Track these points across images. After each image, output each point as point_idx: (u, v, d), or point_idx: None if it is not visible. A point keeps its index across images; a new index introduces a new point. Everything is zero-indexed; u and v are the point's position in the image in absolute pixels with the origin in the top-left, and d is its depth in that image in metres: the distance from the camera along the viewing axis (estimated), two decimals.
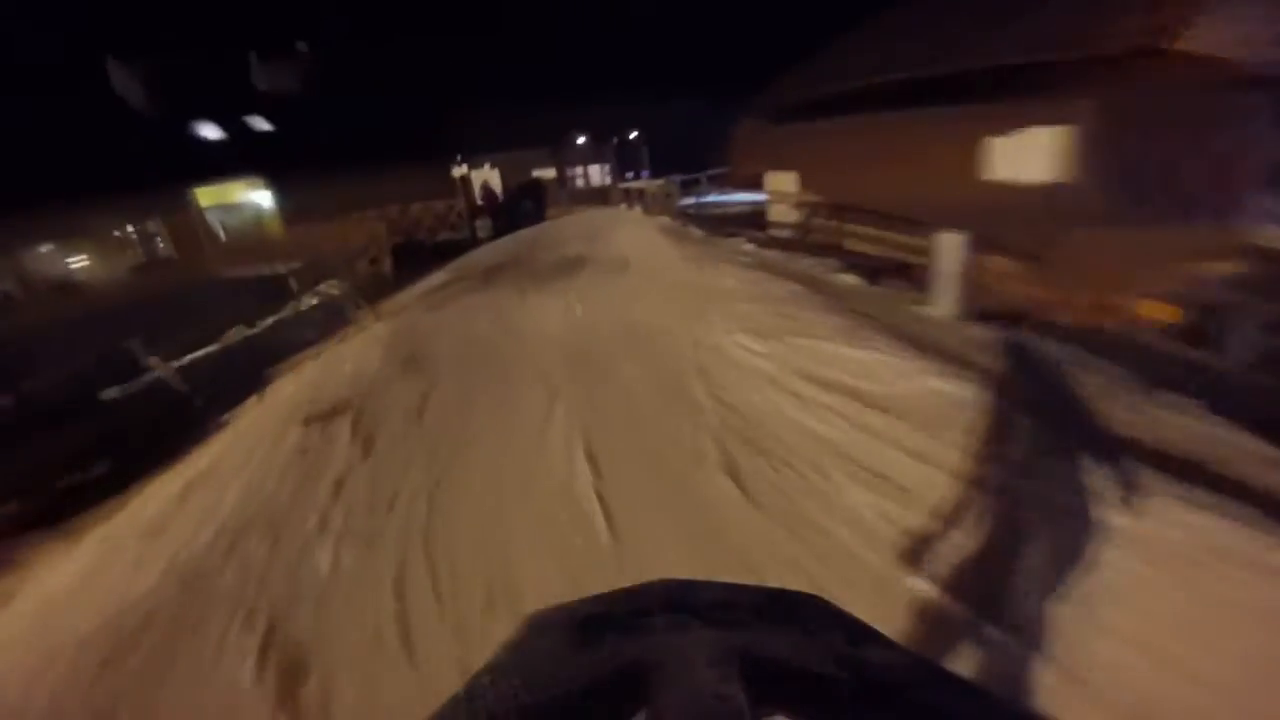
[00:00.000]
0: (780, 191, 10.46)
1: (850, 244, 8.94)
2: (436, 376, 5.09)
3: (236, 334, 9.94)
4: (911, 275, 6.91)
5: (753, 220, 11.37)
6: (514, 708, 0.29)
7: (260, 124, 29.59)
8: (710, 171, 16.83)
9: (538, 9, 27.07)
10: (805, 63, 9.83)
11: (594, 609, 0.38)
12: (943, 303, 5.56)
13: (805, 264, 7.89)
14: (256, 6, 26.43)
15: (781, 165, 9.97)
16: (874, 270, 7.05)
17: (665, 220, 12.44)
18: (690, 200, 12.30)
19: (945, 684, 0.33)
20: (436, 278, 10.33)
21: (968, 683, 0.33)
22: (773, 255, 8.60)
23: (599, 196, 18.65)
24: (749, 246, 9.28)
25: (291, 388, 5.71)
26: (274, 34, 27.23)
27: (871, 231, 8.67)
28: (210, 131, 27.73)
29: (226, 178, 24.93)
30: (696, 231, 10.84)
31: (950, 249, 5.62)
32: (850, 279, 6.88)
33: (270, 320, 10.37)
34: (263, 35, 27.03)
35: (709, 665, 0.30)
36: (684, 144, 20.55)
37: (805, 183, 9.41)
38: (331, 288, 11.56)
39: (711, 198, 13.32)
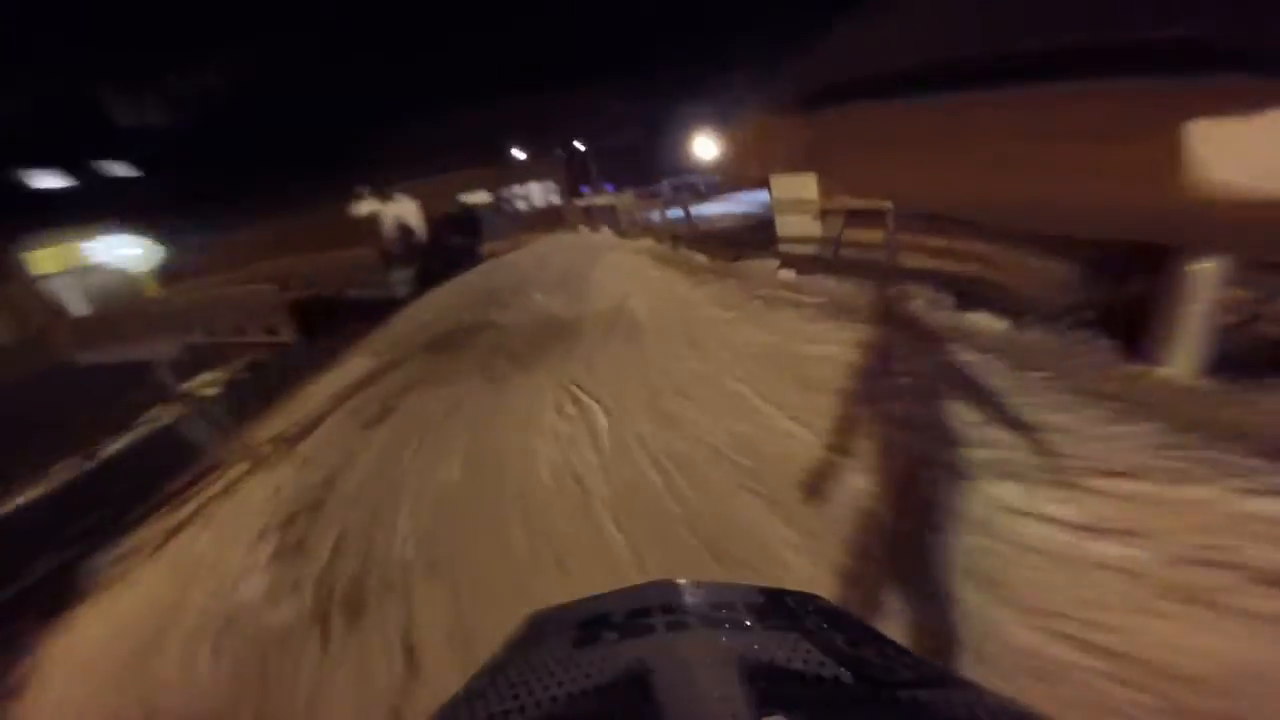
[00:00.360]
0: (794, 199, 8.28)
1: (907, 259, 6.86)
2: (387, 648, 2.43)
3: (55, 477, 6.61)
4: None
5: (750, 236, 9.20)
6: (514, 708, 0.27)
7: (121, 167, 24.83)
8: (675, 180, 14.69)
9: (440, 12, 24.03)
10: (852, 29, 7.58)
11: (594, 609, 0.35)
12: (1181, 359, 3.67)
13: (885, 296, 5.74)
14: (123, 25, 21.73)
15: (815, 163, 7.75)
16: (999, 304, 4.98)
17: (650, 243, 10.02)
18: (676, 215, 9.99)
19: (944, 683, 0.30)
20: (355, 363, 7.27)
21: (967, 682, 0.32)
22: (830, 286, 6.40)
23: (551, 219, 15.83)
24: (785, 274, 7.06)
25: (79, 688, 2.80)
26: (144, 60, 22.59)
27: (937, 243, 6.66)
28: (52, 179, 22.85)
29: (77, 233, 20.32)
30: (699, 257, 8.51)
31: (1203, 283, 3.62)
32: (985, 320, 4.76)
33: (110, 448, 7.08)
34: (131, 62, 22.29)
35: (709, 666, 0.27)
36: (634, 151, 18.27)
37: (854, 184, 7.22)
38: (205, 385, 8.35)
39: (699, 209, 11.04)
